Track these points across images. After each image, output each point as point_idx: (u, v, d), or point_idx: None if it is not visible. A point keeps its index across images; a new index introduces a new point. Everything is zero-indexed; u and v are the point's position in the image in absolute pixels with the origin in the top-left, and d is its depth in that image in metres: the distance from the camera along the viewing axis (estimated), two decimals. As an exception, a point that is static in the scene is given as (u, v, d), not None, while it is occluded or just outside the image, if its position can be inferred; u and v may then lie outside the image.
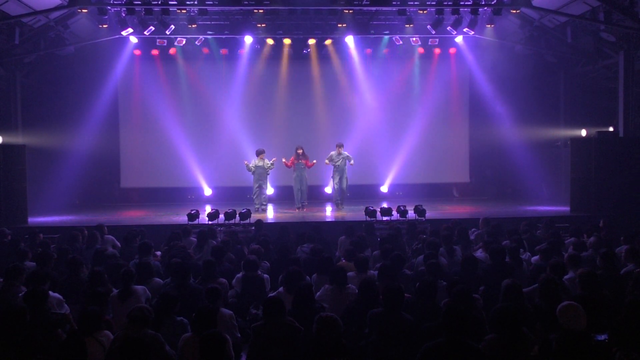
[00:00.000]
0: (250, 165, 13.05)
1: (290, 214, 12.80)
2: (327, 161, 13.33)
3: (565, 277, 5.93)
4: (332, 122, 15.99)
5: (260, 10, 12.56)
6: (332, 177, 13.47)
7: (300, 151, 13.10)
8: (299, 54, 15.61)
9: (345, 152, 13.28)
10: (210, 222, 10.75)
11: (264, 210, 13.01)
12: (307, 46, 15.27)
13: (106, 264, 6.86)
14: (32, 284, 5.53)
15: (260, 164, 12.98)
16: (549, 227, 8.95)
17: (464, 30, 13.57)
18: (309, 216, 12.27)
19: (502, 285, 5.06)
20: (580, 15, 13.03)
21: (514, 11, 12.91)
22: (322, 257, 6.80)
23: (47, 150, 14.49)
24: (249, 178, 13.46)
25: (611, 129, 13.64)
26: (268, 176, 13.26)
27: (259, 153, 13.09)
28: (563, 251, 7.43)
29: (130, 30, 13.16)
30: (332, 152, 13.26)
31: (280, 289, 5.90)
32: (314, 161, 13.26)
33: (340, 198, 13.43)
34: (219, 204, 13.23)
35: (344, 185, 13.34)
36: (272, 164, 13.03)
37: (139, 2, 12.10)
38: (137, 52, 15.19)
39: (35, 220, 11.93)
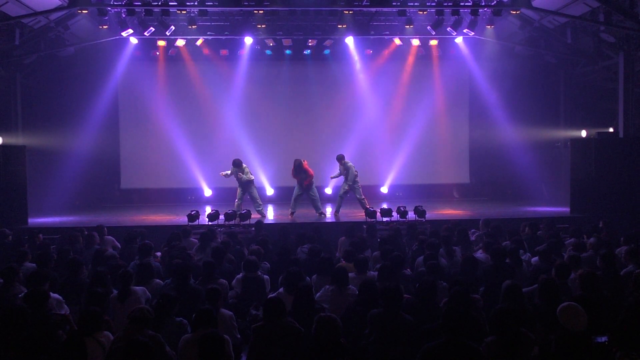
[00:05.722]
0: (228, 173, 12.25)
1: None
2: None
3: (566, 278, 5.94)
4: (332, 123, 15.99)
5: (260, 11, 12.55)
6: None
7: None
8: (299, 54, 15.62)
9: (349, 163, 12.36)
10: (210, 223, 10.76)
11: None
12: (307, 47, 15.27)
13: (106, 265, 6.86)
14: (32, 285, 5.53)
15: (237, 176, 12.15)
16: (549, 228, 8.96)
17: (464, 31, 13.54)
18: (309, 217, 12.24)
19: (503, 286, 5.07)
20: (580, 16, 13.02)
21: (514, 12, 12.88)
22: (321, 257, 6.81)
23: (47, 150, 14.49)
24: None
25: (611, 129, 13.63)
26: (253, 181, 12.29)
27: (236, 164, 12.21)
28: (563, 252, 7.44)
29: (130, 31, 13.14)
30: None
31: (281, 289, 5.90)
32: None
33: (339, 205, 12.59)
34: (219, 205, 13.21)
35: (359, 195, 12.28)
36: (248, 176, 12.15)
37: (139, 3, 12.09)
38: (137, 53, 15.19)
39: (35, 220, 11.92)
